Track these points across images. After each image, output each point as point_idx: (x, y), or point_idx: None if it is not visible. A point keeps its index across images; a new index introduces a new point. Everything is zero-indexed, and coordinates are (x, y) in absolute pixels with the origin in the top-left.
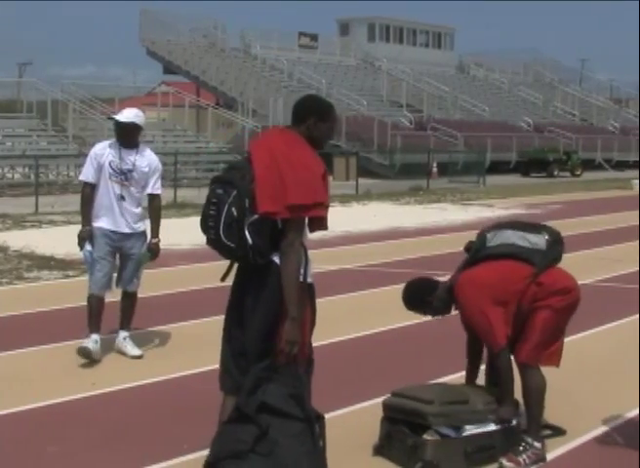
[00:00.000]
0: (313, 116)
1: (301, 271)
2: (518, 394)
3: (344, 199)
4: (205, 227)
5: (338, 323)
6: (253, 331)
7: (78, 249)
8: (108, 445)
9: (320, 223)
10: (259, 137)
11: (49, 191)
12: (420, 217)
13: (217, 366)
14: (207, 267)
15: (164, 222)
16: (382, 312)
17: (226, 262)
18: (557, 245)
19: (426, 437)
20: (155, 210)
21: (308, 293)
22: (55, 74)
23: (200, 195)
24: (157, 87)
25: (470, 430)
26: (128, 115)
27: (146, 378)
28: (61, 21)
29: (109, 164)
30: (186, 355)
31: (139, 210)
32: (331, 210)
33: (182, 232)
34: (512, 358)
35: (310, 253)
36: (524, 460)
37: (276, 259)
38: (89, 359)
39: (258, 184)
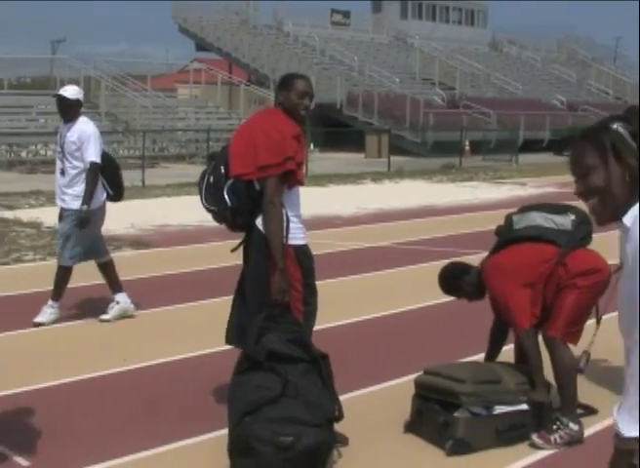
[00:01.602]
0: (280, 87)
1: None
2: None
3: (376, 177)
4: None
5: (370, 300)
6: (248, 285)
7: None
8: (139, 420)
9: (294, 178)
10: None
11: None
12: (452, 196)
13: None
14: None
15: (195, 199)
16: (414, 289)
17: None
18: (584, 225)
19: (458, 414)
20: (86, 177)
21: (295, 254)
22: (87, 51)
23: None
24: (189, 64)
25: (502, 409)
26: (65, 89)
27: (177, 354)
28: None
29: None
30: (217, 331)
31: (73, 187)
32: (363, 187)
33: None
34: (541, 337)
35: (343, 230)
36: (555, 439)
37: (257, 220)
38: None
39: (231, 151)
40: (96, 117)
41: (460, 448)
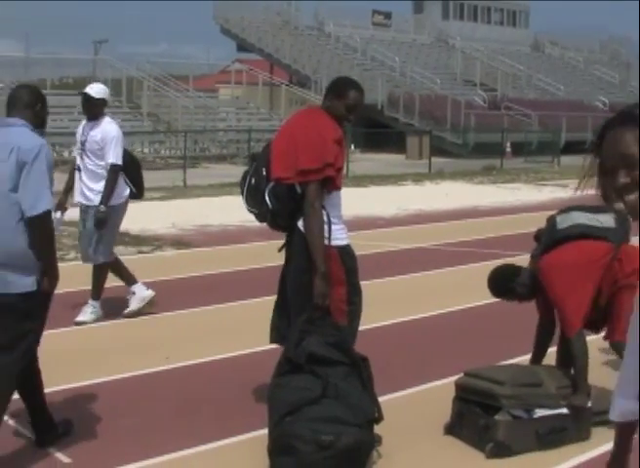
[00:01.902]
0: (331, 93)
1: (325, 235)
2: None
3: (417, 178)
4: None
5: (411, 301)
6: (289, 287)
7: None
8: (180, 419)
9: (332, 184)
10: (292, 114)
11: None
12: (494, 197)
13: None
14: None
15: (236, 200)
16: (455, 291)
17: None
18: (625, 223)
19: (498, 417)
20: (107, 178)
21: (339, 255)
22: (129, 52)
23: None
24: (231, 64)
25: (542, 412)
26: (91, 87)
27: (218, 354)
28: (137, 1)
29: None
30: (258, 331)
31: (98, 183)
32: (404, 188)
33: None
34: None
35: (384, 231)
36: None
37: (299, 222)
38: None
39: (273, 153)
40: (138, 117)
41: (501, 450)
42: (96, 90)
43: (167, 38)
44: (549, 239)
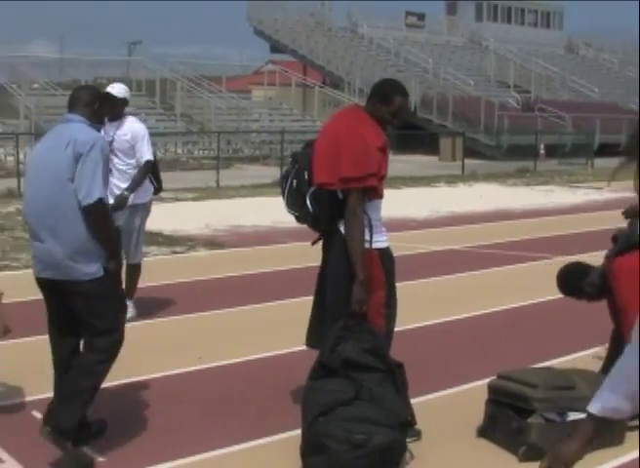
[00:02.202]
0: (376, 98)
1: (365, 238)
2: None
3: (450, 179)
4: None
5: (444, 304)
6: (327, 290)
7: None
8: (213, 419)
9: (375, 192)
10: (334, 114)
11: None
12: (527, 199)
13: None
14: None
15: (269, 200)
16: (488, 293)
17: None
18: None
19: (531, 420)
20: (138, 171)
21: (380, 257)
22: (162, 53)
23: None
24: (264, 65)
25: (576, 415)
26: (113, 87)
27: (255, 354)
28: (170, 1)
29: None
30: (294, 331)
31: (125, 183)
32: (437, 190)
33: None
34: None
35: (417, 232)
36: None
37: (341, 227)
38: None
39: (316, 158)
40: (171, 118)
41: (534, 454)
42: (117, 89)
43: (200, 39)
44: (626, 242)
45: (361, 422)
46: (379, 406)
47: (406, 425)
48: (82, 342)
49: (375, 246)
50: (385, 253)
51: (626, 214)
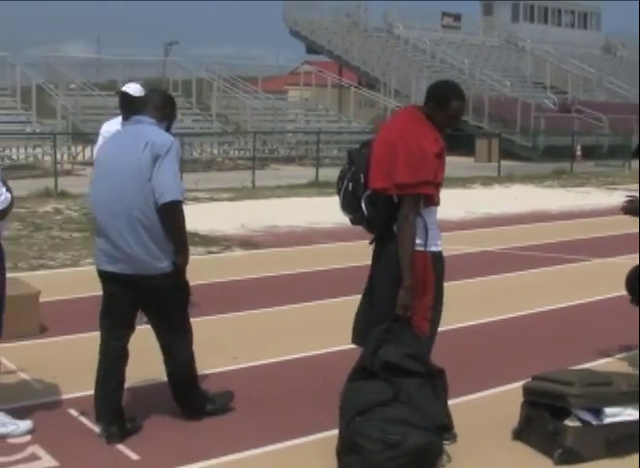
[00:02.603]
0: (432, 101)
1: (420, 241)
2: None
3: (486, 181)
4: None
5: (479, 305)
6: (376, 290)
7: None
8: (248, 418)
9: (430, 200)
10: (392, 115)
11: (193, 168)
12: (563, 201)
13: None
14: (350, 246)
15: (304, 201)
16: (524, 295)
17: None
18: None
19: (568, 423)
20: None
21: (432, 261)
22: (198, 53)
23: None
24: (300, 66)
25: (612, 417)
26: (129, 86)
27: (290, 354)
28: (206, 1)
29: None
30: (330, 331)
31: None
32: (473, 191)
33: (324, 211)
34: None
35: (452, 234)
36: None
37: (395, 227)
38: None
39: (373, 162)
40: (207, 118)
41: (570, 457)
42: (133, 89)
43: (236, 40)
44: None
45: (397, 423)
46: (416, 408)
47: (443, 429)
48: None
49: (429, 249)
50: (438, 258)
51: (625, 211)
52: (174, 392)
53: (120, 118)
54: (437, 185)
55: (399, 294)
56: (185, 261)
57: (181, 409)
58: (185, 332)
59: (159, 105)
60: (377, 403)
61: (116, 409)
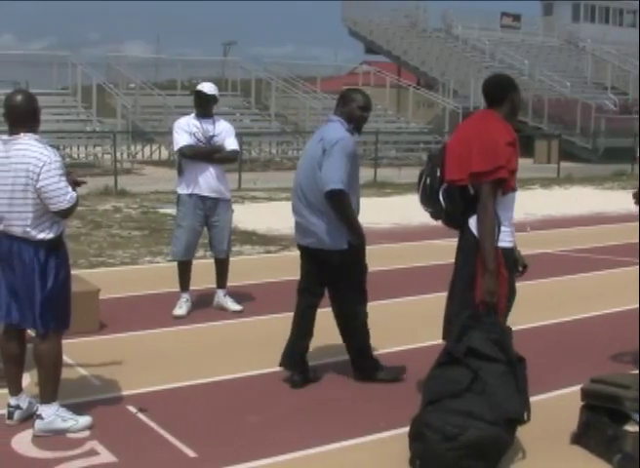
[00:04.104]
0: (511, 90)
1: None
2: None
3: (546, 182)
4: None
5: (538, 307)
6: (456, 285)
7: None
8: (306, 417)
9: (507, 185)
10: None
11: (251, 168)
12: (624, 203)
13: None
14: (410, 246)
15: (362, 201)
16: (583, 298)
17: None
18: None
19: (628, 428)
20: (228, 155)
21: (503, 256)
22: (257, 53)
23: (400, 174)
24: (358, 66)
25: None
26: (204, 85)
27: (347, 354)
28: (264, 2)
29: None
30: (388, 332)
31: (225, 178)
32: (532, 192)
33: (383, 211)
34: None
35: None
36: None
37: (470, 220)
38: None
39: (448, 156)
40: (266, 118)
41: (629, 463)
42: (207, 88)
43: (295, 40)
44: None
45: (460, 415)
46: (487, 400)
47: (514, 422)
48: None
49: (500, 244)
50: (509, 253)
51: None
52: (350, 358)
53: (193, 115)
54: (512, 171)
55: (485, 280)
56: (357, 241)
57: (355, 374)
58: (358, 304)
59: (357, 106)
60: (448, 394)
61: (300, 357)
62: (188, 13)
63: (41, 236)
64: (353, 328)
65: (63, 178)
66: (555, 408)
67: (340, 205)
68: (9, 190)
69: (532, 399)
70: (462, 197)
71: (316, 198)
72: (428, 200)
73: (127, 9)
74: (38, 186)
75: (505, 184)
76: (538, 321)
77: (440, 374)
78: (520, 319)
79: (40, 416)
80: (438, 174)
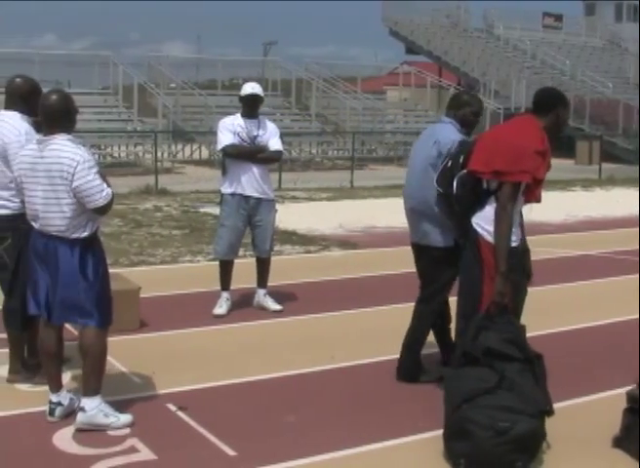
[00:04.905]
0: (560, 104)
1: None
2: None
3: (587, 183)
4: None
5: (579, 310)
6: (460, 285)
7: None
8: (344, 417)
9: (531, 193)
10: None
11: (291, 168)
12: None
13: None
14: None
15: (393, 202)
16: (623, 301)
17: None
18: None
19: None
20: (272, 154)
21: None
22: (297, 53)
23: None
24: (399, 66)
25: None
26: (253, 87)
27: (388, 355)
28: (305, 2)
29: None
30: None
31: (269, 177)
32: (573, 194)
33: None
34: None
35: (552, 237)
36: None
37: (474, 219)
38: None
39: (477, 147)
40: (306, 118)
41: None
42: (258, 89)
43: (335, 40)
44: None
45: (504, 411)
46: (519, 395)
47: (545, 414)
48: None
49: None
50: (513, 253)
51: None
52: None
53: (238, 115)
54: (538, 182)
55: (496, 281)
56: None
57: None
58: (434, 304)
59: (460, 106)
60: (482, 390)
61: (413, 359)
62: (229, 12)
63: (76, 235)
64: (420, 329)
65: (97, 176)
66: (597, 410)
67: (439, 204)
68: (44, 190)
69: (573, 401)
70: (474, 187)
71: (426, 197)
72: (443, 180)
73: (167, 9)
74: (74, 186)
75: (529, 193)
76: (578, 323)
77: (464, 374)
78: (561, 321)
79: (83, 409)
80: (461, 160)
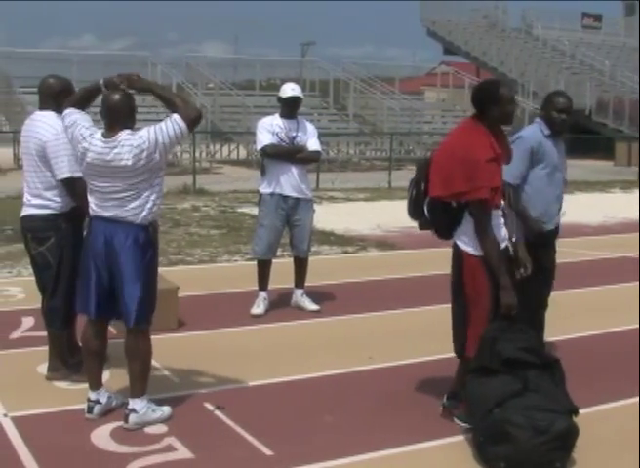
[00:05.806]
0: (489, 103)
1: (471, 248)
2: None
3: (625, 185)
4: None
5: (617, 312)
6: (451, 298)
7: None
8: (381, 418)
9: (489, 204)
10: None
11: (329, 168)
12: None
13: None
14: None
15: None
16: None
17: None
18: None
19: None
20: (311, 155)
21: (483, 266)
22: (334, 54)
23: None
24: (437, 67)
25: None
26: (294, 88)
27: (426, 356)
28: (343, 2)
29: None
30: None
31: (307, 178)
32: (611, 196)
33: None
34: None
35: (591, 239)
36: None
37: (459, 241)
38: None
39: (432, 171)
40: (344, 119)
41: None
42: (298, 90)
43: (373, 40)
44: None
45: (538, 410)
46: (547, 396)
47: (573, 412)
48: None
49: (479, 253)
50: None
51: None
52: None
53: (277, 115)
54: (494, 189)
55: (500, 295)
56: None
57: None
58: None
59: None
60: (511, 393)
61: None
62: (266, 13)
63: (138, 221)
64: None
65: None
66: (624, 417)
67: (515, 197)
68: (113, 184)
69: (599, 407)
70: (445, 212)
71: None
72: (414, 211)
73: (205, 9)
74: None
75: (488, 203)
76: (615, 325)
77: (487, 382)
78: (597, 324)
79: (134, 410)
80: (423, 187)
